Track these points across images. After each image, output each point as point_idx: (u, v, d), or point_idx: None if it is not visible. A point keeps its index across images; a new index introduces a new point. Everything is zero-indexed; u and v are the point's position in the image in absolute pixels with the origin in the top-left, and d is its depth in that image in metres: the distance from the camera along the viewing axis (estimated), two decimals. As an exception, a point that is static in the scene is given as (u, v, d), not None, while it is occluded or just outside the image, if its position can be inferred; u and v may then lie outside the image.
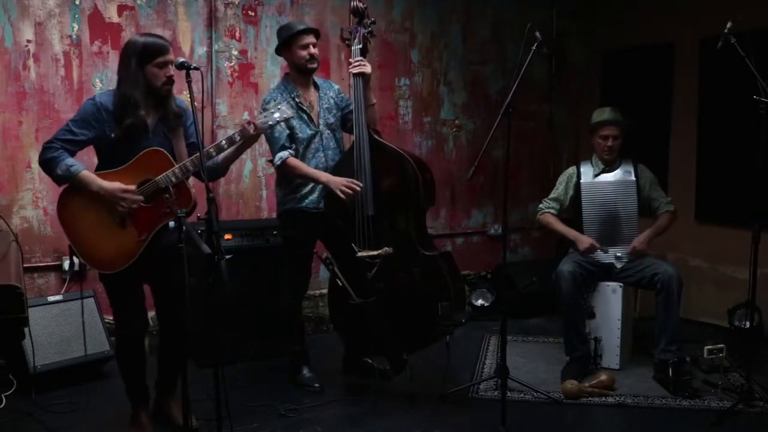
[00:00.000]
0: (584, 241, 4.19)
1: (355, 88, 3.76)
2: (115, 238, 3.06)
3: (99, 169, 3.11)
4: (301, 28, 3.79)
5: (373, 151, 3.73)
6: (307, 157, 3.84)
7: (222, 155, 3.19)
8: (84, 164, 3.10)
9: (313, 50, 3.79)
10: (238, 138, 3.12)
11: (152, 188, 3.03)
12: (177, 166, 3.04)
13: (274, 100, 3.71)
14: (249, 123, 3.15)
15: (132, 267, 3.06)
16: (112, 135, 3.04)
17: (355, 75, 3.76)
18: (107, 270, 3.10)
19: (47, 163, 3.03)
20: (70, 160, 3.02)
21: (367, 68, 3.76)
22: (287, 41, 3.79)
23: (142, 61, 3.02)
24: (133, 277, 3.13)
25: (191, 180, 3.15)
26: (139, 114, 3.02)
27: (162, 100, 3.10)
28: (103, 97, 3.11)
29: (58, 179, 3.05)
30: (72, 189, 3.07)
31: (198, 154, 2.98)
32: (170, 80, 3.06)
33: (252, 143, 3.24)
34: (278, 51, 3.90)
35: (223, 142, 3.12)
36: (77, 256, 3.09)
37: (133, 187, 3.03)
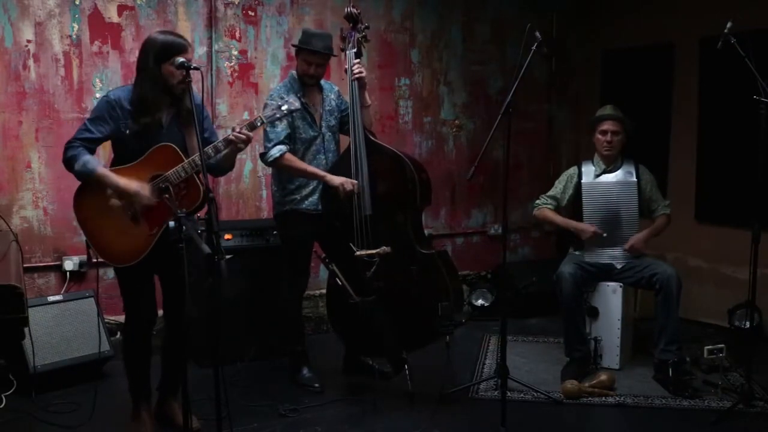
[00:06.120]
0: (586, 229, 4.20)
1: (351, 91, 3.78)
2: (128, 233, 3.10)
3: (114, 164, 3.17)
4: (314, 49, 3.76)
5: (370, 152, 3.75)
6: (308, 158, 3.85)
7: (221, 154, 3.20)
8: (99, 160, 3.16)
9: (313, 71, 3.80)
10: (222, 147, 3.11)
11: (162, 183, 3.06)
12: (186, 161, 3.06)
13: (281, 97, 3.70)
14: (238, 131, 3.10)
15: (144, 260, 3.10)
16: (127, 131, 3.08)
17: (354, 79, 3.77)
18: (121, 264, 3.15)
19: (68, 162, 3.09)
20: (86, 158, 3.06)
21: (365, 72, 3.81)
22: (297, 52, 3.84)
23: (160, 59, 3.04)
24: (145, 270, 3.18)
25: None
26: (156, 113, 3.07)
27: (177, 98, 3.13)
28: (118, 92, 3.15)
29: (76, 176, 3.11)
30: (86, 186, 3.12)
31: (204, 150, 3.00)
32: (185, 79, 3.07)
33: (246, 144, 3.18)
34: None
35: (220, 143, 3.12)
36: (93, 251, 3.14)
37: (147, 187, 3.06)
